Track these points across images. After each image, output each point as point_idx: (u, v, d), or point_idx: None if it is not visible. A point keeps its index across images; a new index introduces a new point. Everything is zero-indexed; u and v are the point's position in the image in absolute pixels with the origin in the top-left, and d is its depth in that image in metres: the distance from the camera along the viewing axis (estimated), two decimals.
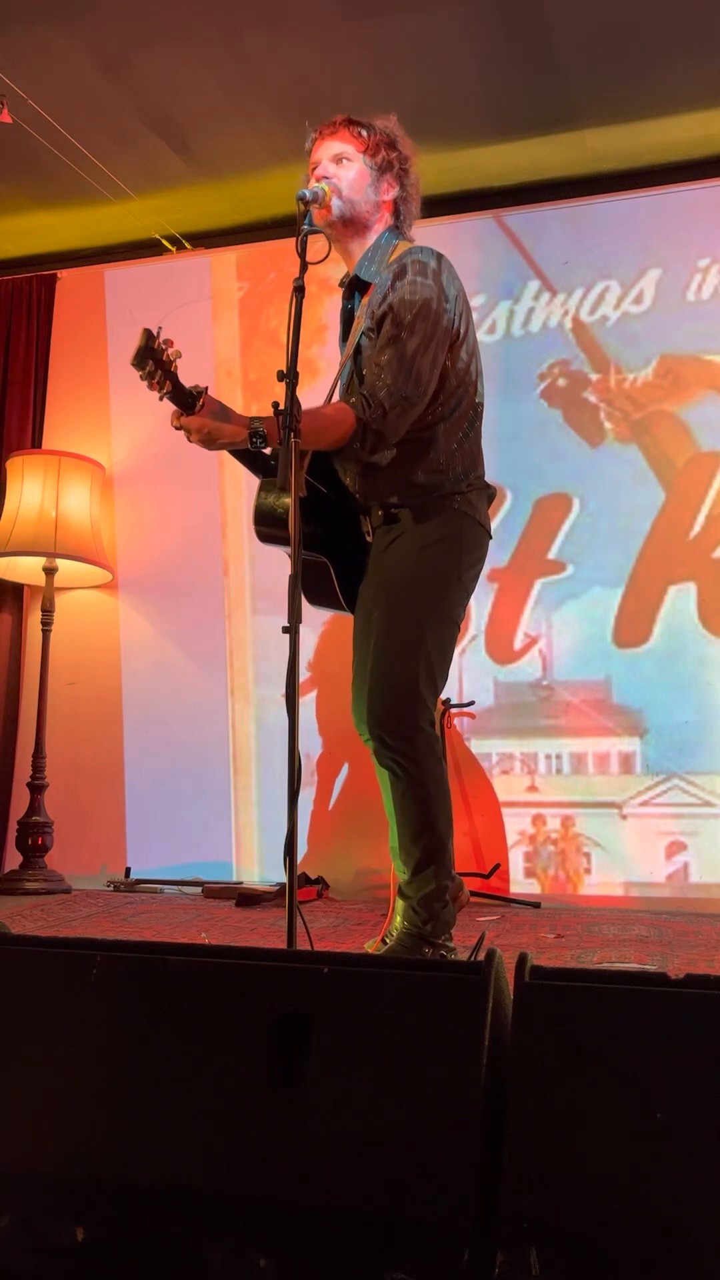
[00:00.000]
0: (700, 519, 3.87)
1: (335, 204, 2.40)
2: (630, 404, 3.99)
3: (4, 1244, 1.22)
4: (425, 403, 2.33)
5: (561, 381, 4.07)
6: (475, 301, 4.16)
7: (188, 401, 2.09)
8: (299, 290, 2.10)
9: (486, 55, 3.56)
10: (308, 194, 2.28)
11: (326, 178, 2.41)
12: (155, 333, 2.00)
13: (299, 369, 2.04)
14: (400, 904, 2.41)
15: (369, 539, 2.50)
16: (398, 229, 2.50)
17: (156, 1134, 1.25)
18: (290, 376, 2.02)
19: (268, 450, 2.21)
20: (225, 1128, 1.23)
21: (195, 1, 3.36)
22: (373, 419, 2.25)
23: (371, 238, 2.47)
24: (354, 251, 2.49)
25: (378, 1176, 1.16)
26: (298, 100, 3.80)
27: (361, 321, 2.44)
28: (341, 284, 2.58)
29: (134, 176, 4.26)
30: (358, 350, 2.43)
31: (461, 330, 2.42)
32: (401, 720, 2.33)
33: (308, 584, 2.45)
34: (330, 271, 2.77)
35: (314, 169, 2.46)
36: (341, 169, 2.43)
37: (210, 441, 2.14)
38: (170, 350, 2.01)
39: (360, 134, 2.44)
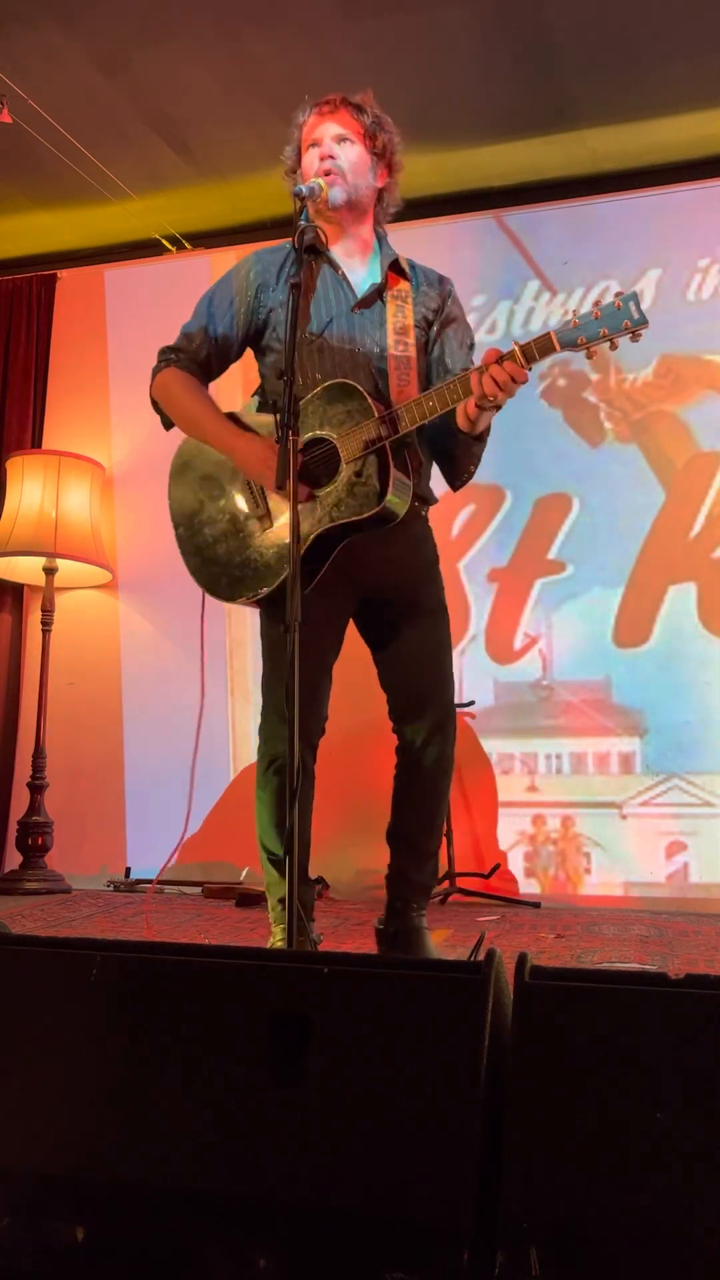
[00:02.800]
0: (700, 519, 3.86)
1: (342, 189, 2.32)
2: (630, 404, 3.99)
3: (4, 1244, 1.22)
4: None
5: (561, 381, 4.07)
6: (475, 301, 4.16)
7: None
8: (296, 288, 2.10)
9: (486, 55, 3.55)
10: (304, 190, 2.24)
11: (331, 157, 2.33)
12: None
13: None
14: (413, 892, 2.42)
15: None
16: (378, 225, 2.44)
17: (156, 1134, 1.25)
18: (288, 373, 2.02)
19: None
20: (225, 1128, 1.23)
21: (195, 1, 3.36)
22: None
23: (367, 223, 2.41)
24: (353, 235, 2.39)
25: (378, 1176, 1.16)
26: (298, 100, 3.78)
27: (409, 307, 2.36)
28: (320, 254, 2.39)
29: (134, 176, 4.26)
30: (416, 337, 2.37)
31: None
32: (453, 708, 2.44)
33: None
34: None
35: (312, 144, 2.38)
36: (344, 150, 2.35)
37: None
38: None
39: (359, 117, 2.38)
